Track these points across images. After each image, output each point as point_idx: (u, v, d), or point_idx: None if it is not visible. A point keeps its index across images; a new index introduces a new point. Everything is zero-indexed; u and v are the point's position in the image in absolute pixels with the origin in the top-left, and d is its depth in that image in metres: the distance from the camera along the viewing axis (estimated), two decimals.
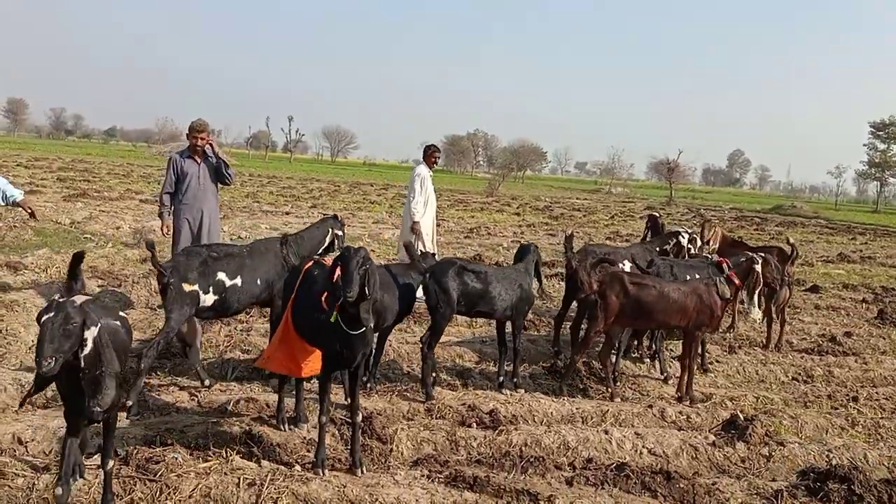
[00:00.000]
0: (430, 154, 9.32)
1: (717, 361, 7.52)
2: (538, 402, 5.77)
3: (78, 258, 4.03)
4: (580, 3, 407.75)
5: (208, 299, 5.65)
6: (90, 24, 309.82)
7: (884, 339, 9.21)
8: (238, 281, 5.80)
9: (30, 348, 6.35)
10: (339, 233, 6.76)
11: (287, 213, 20.48)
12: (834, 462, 4.96)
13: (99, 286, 8.80)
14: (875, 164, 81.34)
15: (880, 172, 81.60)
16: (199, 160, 7.61)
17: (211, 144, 7.59)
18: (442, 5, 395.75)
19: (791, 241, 8.69)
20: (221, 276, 5.72)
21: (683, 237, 8.11)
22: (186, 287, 5.47)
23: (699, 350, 6.63)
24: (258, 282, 5.85)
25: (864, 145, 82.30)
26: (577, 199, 46.62)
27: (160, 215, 7.84)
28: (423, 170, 9.23)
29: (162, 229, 7.87)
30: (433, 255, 6.32)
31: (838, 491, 4.33)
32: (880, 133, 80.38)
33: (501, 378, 6.16)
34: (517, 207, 31.42)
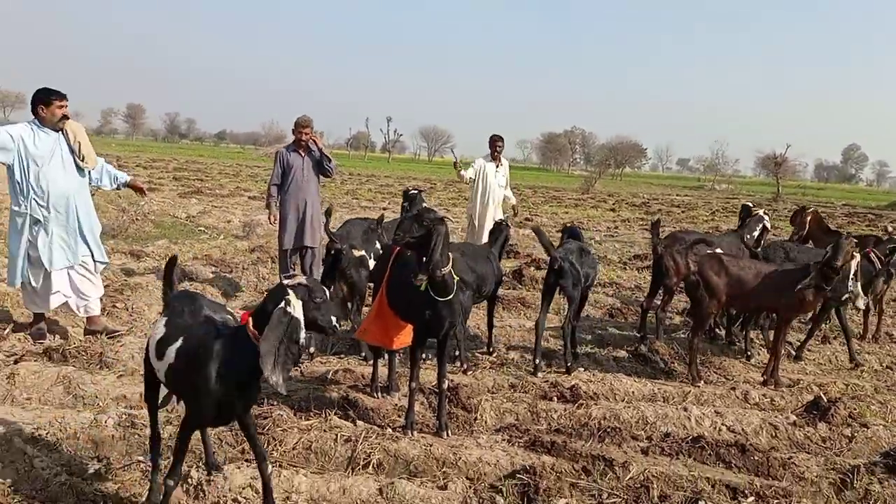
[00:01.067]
0: (491, 144, 9.66)
1: (809, 350, 7.43)
2: (620, 381, 5.94)
3: (172, 263, 3.91)
4: None
5: (371, 264, 6.49)
6: (204, 37, 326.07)
7: None
8: None
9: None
10: (425, 203, 7.64)
11: (384, 209, 21.16)
12: None
13: (213, 273, 9.52)
14: None
15: None
16: (303, 154, 8.17)
17: (315, 140, 8.18)
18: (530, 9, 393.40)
19: (890, 229, 8.43)
20: (378, 245, 6.60)
21: (766, 221, 8.05)
22: (356, 252, 6.36)
23: (786, 336, 6.60)
24: None
25: None
26: (677, 195, 45.60)
27: (267, 206, 8.48)
28: (480, 160, 9.65)
29: (269, 218, 8.51)
30: (505, 223, 7.00)
31: None
32: None
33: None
34: (613, 204, 31.10)
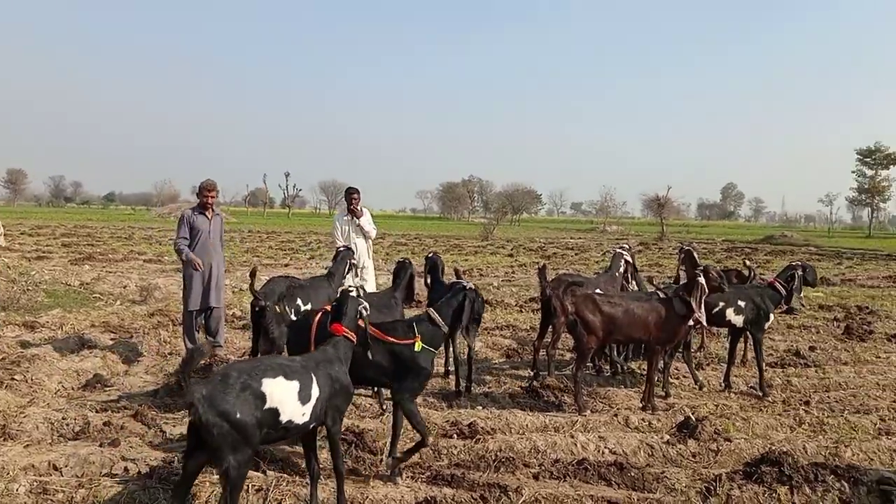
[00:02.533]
0: (346, 197, 9.52)
1: (684, 377, 8.16)
2: (515, 416, 6.41)
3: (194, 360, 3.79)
4: (566, 43, 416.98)
5: (291, 319, 6.82)
6: (85, 93, 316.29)
7: (847, 351, 9.85)
8: (309, 306, 6.97)
9: (55, 393, 7.01)
10: (354, 261, 8.28)
11: (286, 265, 21.24)
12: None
13: (112, 339, 9.46)
14: (865, 190, 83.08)
15: (870, 198, 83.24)
16: (209, 216, 8.40)
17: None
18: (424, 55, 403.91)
19: (748, 263, 9.39)
20: (299, 301, 7.02)
21: (626, 255, 8.87)
22: (278, 308, 6.78)
23: (660, 363, 7.27)
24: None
25: (853, 172, 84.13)
26: (570, 238, 47.49)
27: (182, 254, 8.32)
28: (336, 222, 9.50)
29: (195, 264, 8.34)
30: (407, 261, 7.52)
31: (770, 473, 4.96)
32: (867, 160, 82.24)
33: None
34: (511, 249, 32.19)
